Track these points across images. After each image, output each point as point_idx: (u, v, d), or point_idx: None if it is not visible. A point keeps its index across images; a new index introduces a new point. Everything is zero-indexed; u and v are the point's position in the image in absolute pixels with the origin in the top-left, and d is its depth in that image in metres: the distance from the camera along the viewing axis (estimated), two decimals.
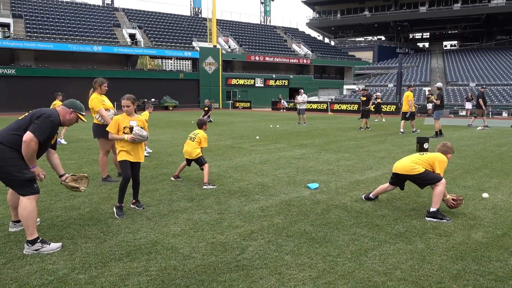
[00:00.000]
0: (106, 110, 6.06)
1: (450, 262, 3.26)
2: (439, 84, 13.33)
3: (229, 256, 3.37)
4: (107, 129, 4.65)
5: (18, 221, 3.98)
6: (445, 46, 64.22)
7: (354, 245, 3.62)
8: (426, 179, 4.49)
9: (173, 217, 4.41)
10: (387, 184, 4.99)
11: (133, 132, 4.47)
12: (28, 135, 3.33)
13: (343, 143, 11.07)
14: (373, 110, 19.54)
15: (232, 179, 6.37)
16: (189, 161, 6.28)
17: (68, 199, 5.19)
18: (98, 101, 6.01)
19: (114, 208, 4.55)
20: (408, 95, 13.52)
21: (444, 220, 4.25)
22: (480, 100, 15.68)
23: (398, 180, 4.81)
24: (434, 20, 53.37)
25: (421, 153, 4.79)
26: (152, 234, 3.89)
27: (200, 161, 6.09)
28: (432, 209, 4.35)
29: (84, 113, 3.83)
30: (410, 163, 4.58)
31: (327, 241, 3.71)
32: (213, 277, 3.00)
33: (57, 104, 11.79)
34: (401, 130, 13.67)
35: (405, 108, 13.73)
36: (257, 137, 12.34)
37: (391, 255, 3.39)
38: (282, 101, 35.92)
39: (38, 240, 3.42)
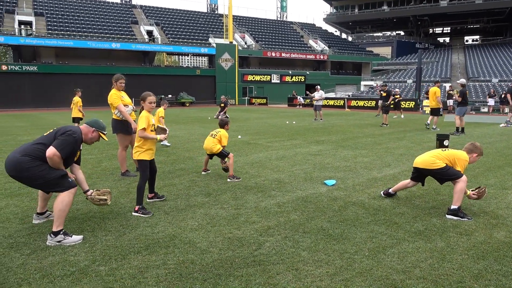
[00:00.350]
0: (124, 105, 6.15)
1: (471, 261, 3.20)
2: (463, 81, 12.98)
3: (246, 251, 3.38)
4: (140, 128, 4.34)
5: (42, 214, 4.10)
6: (467, 41, 62.61)
7: (372, 242, 3.58)
8: (447, 175, 4.40)
9: (190, 212, 4.46)
10: (408, 180, 4.92)
11: (167, 132, 4.61)
12: (50, 150, 3.44)
13: (361, 139, 10.94)
14: (392, 106, 19.20)
15: (249, 175, 6.39)
16: (210, 155, 6.38)
17: None
18: (117, 97, 6.10)
19: (136, 213, 4.32)
20: (435, 91, 13.24)
21: (465, 219, 4.16)
22: (508, 95, 15.13)
23: (418, 175, 4.73)
24: (455, 14, 52.03)
25: (443, 149, 4.69)
26: (170, 228, 3.94)
27: (222, 154, 6.20)
28: (453, 207, 4.26)
29: (106, 132, 3.95)
30: (431, 157, 4.50)
31: (345, 238, 3.68)
32: (230, 271, 3.02)
33: (75, 100, 11.98)
34: (428, 122, 13.53)
35: (432, 104, 13.42)
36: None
37: (410, 253, 3.35)
38: (299, 97, 35.73)
39: (61, 232, 3.52)
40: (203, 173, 6.54)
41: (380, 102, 22.06)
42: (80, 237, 3.62)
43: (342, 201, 4.91)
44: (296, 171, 6.68)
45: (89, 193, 3.90)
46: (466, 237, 3.71)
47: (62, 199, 3.51)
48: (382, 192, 5.11)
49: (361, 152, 8.66)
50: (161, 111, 9.47)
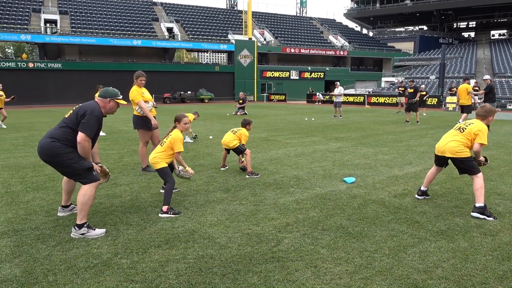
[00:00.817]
0: (145, 102, 6.24)
1: (496, 262, 3.11)
2: (487, 76, 12.60)
3: (264, 248, 3.40)
4: (178, 150, 4.42)
5: (67, 206, 4.22)
6: (493, 35, 60.47)
7: (392, 241, 3.53)
8: (469, 166, 4.30)
9: (209, 207, 4.50)
10: (433, 168, 4.78)
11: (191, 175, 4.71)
12: (80, 136, 3.56)
13: (381, 137, 10.78)
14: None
15: (267, 172, 6.39)
16: (228, 150, 6.43)
17: (111, 187, 5.43)
18: (138, 93, 6.20)
19: (165, 214, 4.18)
20: (466, 88, 12.89)
21: (491, 218, 4.05)
22: None
23: (443, 161, 4.61)
24: (481, 8, 50.30)
25: (459, 128, 4.47)
26: (189, 223, 3.99)
27: (238, 150, 6.25)
28: (478, 205, 4.14)
29: (121, 96, 3.96)
30: (458, 145, 4.33)
31: (364, 236, 3.64)
32: (249, 267, 3.04)
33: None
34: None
35: (464, 101, 13.00)
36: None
37: (431, 253, 3.28)
38: (318, 94, 35.43)
39: (85, 225, 3.62)
40: (221, 169, 6.59)
41: (398, 98, 21.61)
42: (103, 230, 3.72)
43: (362, 199, 4.85)
44: (315, 168, 6.64)
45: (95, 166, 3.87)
46: (491, 237, 3.61)
47: (85, 193, 3.61)
48: (416, 195, 4.88)
49: (381, 150, 8.53)
50: (190, 115, 9.99)
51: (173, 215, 4.20)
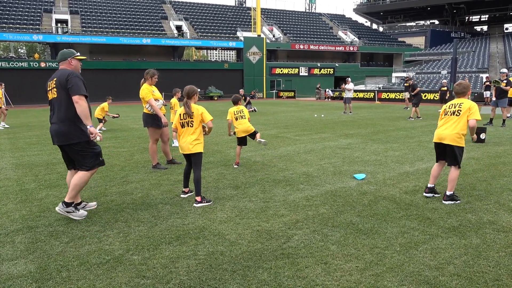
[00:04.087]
0: (155, 100, 6.29)
1: (509, 259, 3.07)
2: (504, 70, 12.29)
3: (274, 244, 3.40)
4: (210, 119, 4.53)
5: (79, 204, 4.28)
6: (506, 28, 59.23)
7: (403, 237, 3.50)
8: (460, 157, 4.48)
9: (219, 204, 4.52)
10: (437, 165, 4.74)
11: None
12: (75, 98, 3.73)
13: (392, 133, 10.68)
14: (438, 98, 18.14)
15: (277, 168, 6.39)
16: (243, 141, 6.59)
17: (122, 184, 5.49)
18: (149, 91, 6.24)
19: (200, 203, 4.41)
20: None
21: (458, 201, 4.43)
22: None
23: (441, 151, 4.65)
24: (494, 1, 49.29)
25: (453, 113, 4.51)
26: (199, 220, 4.02)
27: (254, 133, 6.55)
28: (449, 193, 4.45)
29: (78, 54, 4.06)
30: (456, 134, 4.44)
31: (375, 233, 3.62)
32: (259, 263, 3.05)
33: (103, 105, 12.17)
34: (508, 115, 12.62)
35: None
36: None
37: (443, 249, 3.25)
38: (327, 90, 35.23)
39: (72, 205, 3.88)
40: (235, 166, 6.58)
41: (404, 93, 21.25)
42: (85, 213, 4.03)
43: (372, 195, 4.82)
44: (325, 165, 6.62)
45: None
46: (504, 234, 3.56)
47: (81, 176, 3.86)
48: (424, 193, 4.79)
49: (392, 146, 8.45)
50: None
51: (206, 203, 4.43)
